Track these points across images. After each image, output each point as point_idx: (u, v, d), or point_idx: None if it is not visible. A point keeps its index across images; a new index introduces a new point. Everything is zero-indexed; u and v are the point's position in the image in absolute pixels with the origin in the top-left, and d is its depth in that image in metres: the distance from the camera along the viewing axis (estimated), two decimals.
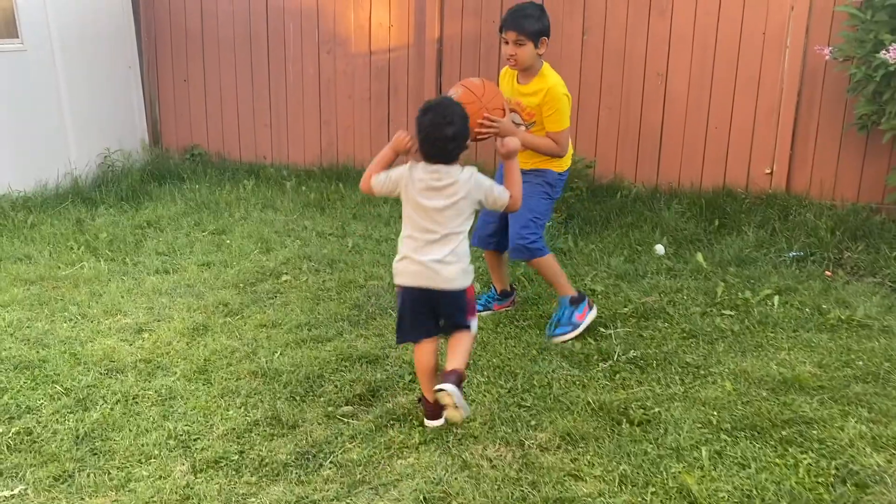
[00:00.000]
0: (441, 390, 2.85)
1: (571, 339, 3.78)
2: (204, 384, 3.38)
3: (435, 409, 3.01)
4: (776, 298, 4.24)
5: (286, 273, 4.70)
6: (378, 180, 3.02)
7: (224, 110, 7.34)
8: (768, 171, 5.85)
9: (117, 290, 4.43)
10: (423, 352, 3.06)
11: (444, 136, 2.88)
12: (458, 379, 2.92)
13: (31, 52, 6.12)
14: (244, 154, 7.37)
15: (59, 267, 4.78)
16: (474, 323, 3.11)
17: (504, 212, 3.26)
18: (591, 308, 3.88)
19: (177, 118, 7.51)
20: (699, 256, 4.86)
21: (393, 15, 6.66)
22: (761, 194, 5.80)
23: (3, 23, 5.90)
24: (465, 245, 2.99)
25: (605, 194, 6.01)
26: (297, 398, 3.25)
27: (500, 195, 3.03)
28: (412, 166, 2.97)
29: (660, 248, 5.13)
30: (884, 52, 4.60)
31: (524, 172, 3.58)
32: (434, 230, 2.92)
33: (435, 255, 2.91)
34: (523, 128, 3.78)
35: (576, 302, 3.85)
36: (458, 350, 3.04)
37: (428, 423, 3.04)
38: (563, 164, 3.89)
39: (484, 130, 3.48)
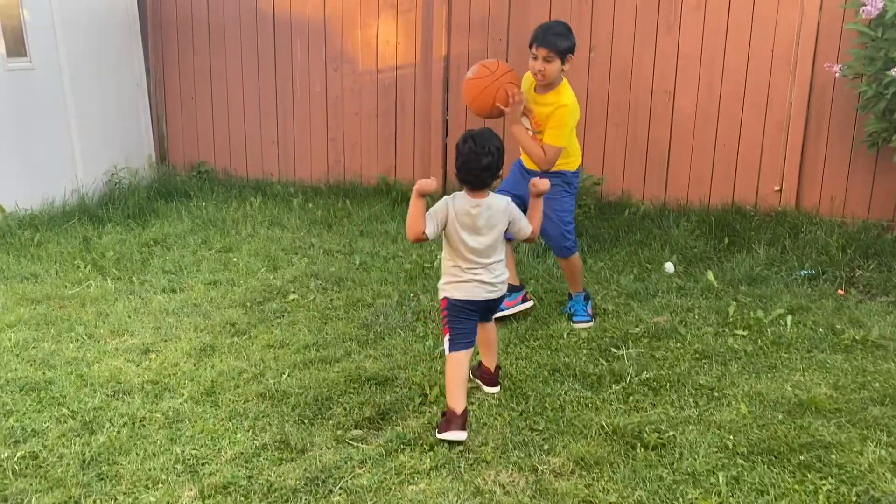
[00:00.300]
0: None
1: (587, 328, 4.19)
2: (211, 406, 3.34)
3: (461, 420, 3.07)
4: (789, 318, 4.19)
5: (293, 292, 4.67)
6: (431, 230, 3.11)
7: (231, 127, 7.34)
8: (778, 189, 5.81)
9: (124, 309, 4.40)
10: (463, 362, 3.17)
11: (480, 165, 3.10)
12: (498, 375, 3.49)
13: (38, 70, 6.13)
14: (251, 171, 7.36)
15: (66, 286, 4.75)
16: None
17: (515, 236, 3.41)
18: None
19: (184, 135, 7.51)
20: (710, 275, 4.81)
21: (400, 33, 6.66)
22: (771, 212, 5.76)
23: (12, 41, 5.90)
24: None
25: (613, 211, 5.98)
26: (306, 421, 3.21)
27: (524, 227, 3.29)
28: (454, 198, 3.15)
29: (669, 267, 5.09)
30: (895, 69, 4.58)
31: (543, 175, 3.86)
32: (483, 254, 3.17)
33: (487, 271, 3.19)
34: (531, 132, 4.02)
35: (588, 298, 4.34)
36: (495, 344, 3.47)
37: (451, 435, 3.03)
38: (574, 163, 4.17)
39: (500, 105, 3.82)
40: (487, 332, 3.42)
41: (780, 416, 3.23)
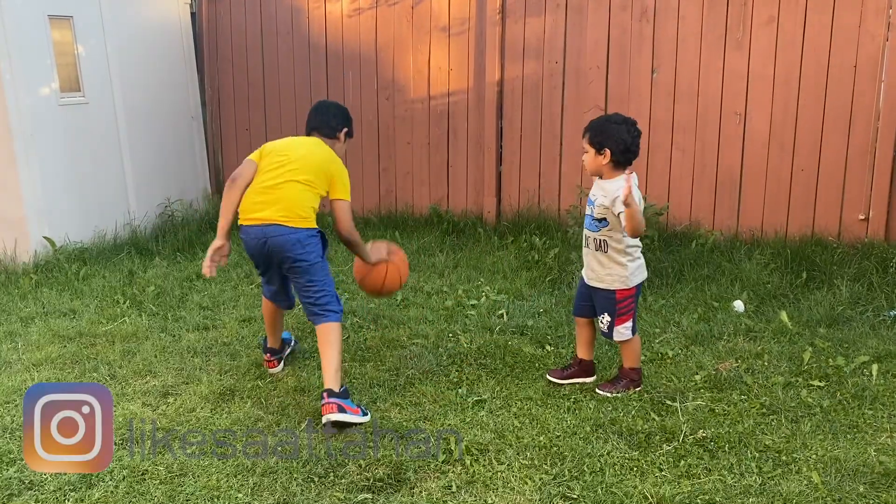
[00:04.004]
0: None
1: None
2: (219, 459, 3.10)
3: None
4: (874, 367, 3.67)
5: None
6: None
7: None
8: (863, 218, 5.24)
9: (153, 348, 4.25)
10: None
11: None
12: None
13: (92, 104, 6.17)
14: None
15: (102, 322, 4.65)
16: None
17: None
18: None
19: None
20: (783, 315, 4.31)
21: (452, 59, 6.43)
22: (856, 243, 5.20)
23: (66, 77, 5.97)
24: None
25: (678, 243, 5.54)
26: (315, 480, 2.93)
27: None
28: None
29: (739, 305, 4.61)
30: None
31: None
32: None
33: None
34: None
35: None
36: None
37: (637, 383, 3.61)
38: None
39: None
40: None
41: (861, 489, 2.75)
